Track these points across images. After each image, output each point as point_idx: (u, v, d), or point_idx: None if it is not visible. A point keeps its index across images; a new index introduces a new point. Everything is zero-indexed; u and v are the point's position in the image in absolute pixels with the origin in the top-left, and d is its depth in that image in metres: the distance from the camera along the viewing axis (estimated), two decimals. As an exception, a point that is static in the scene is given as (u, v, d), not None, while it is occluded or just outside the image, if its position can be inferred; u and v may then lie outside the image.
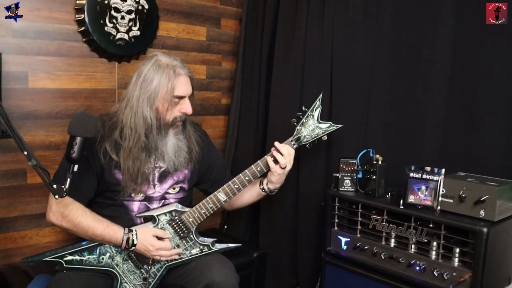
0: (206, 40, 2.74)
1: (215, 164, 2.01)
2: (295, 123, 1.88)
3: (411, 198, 1.79)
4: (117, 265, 1.77)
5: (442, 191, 1.73)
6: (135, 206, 1.80)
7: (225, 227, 2.87)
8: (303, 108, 1.90)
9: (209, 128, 2.78)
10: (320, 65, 2.35)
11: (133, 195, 1.79)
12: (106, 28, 2.24)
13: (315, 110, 1.88)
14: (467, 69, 1.91)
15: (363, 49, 2.21)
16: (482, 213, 1.63)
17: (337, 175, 2.05)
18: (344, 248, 2.00)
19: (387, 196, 1.95)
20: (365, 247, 1.91)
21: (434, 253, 1.72)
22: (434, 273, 1.70)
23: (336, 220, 2.04)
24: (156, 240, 1.75)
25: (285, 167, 1.84)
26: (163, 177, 1.83)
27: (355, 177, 2.02)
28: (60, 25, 2.16)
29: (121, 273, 1.77)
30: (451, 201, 1.71)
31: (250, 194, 1.99)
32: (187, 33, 2.65)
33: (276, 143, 1.85)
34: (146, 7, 2.38)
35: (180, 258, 1.83)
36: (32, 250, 2.14)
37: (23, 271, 2.04)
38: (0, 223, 2.09)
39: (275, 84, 2.57)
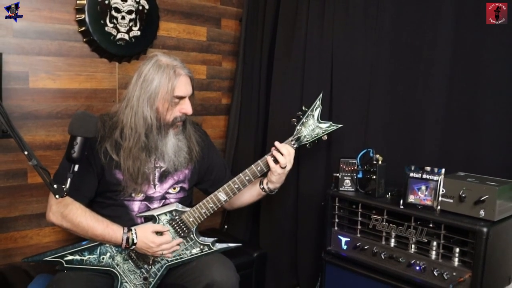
0: (206, 40, 2.75)
1: (215, 164, 2.02)
2: (295, 123, 1.88)
3: (411, 198, 1.80)
4: (117, 265, 1.77)
5: (442, 191, 1.73)
6: (136, 206, 1.81)
7: (226, 226, 2.87)
8: (303, 108, 1.90)
9: (210, 128, 2.78)
10: (320, 65, 2.35)
11: (133, 195, 1.79)
12: (106, 28, 2.24)
13: (315, 110, 1.88)
14: (467, 69, 1.91)
15: (363, 49, 2.22)
16: (482, 213, 1.63)
17: (337, 175, 2.05)
18: (344, 248, 2.01)
19: (387, 196, 1.95)
20: (365, 247, 1.92)
21: (434, 253, 1.73)
22: (434, 273, 1.70)
23: (336, 220, 2.04)
24: (156, 236, 1.75)
25: (285, 166, 1.84)
26: (163, 177, 1.83)
27: (355, 177, 2.02)
28: (60, 25, 2.17)
29: (122, 273, 1.78)
30: (451, 201, 1.71)
31: (250, 194, 1.99)
32: (188, 33, 2.65)
33: (276, 143, 1.85)
34: (147, 7, 2.38)
35: (181, 258, 1.83)
36: (33, 250, 2.15)
37: (24, 270, 2.04)
38: (0, 223, 2.09)
39: (275, 84, 2.58)
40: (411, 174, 1.81)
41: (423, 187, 1.78)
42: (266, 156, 1.85)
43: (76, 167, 1.45)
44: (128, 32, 2.32)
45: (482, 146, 1.88)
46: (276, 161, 1.83)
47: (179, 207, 1.82)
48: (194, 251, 1.84)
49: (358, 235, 1.96)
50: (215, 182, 1.98)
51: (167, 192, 1.85)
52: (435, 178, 1.75)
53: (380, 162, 1.95)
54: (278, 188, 1.95)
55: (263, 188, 1.94)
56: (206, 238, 1.86)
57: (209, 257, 1.83)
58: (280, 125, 2.49)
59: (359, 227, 1.96)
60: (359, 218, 1.95)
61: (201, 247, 1.84)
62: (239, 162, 2.74)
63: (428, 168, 1.78)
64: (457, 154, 1.95)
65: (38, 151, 2.13)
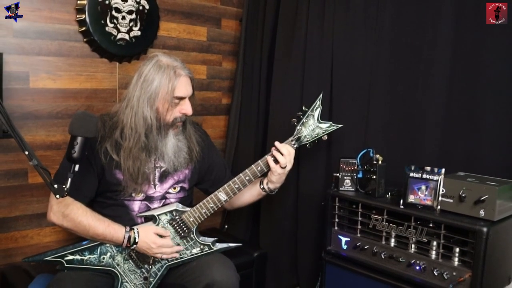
0: (206, 40, 2.75)
1: (215, 164, 2.02)
2: (295, 123, 1.88)
3: (411, 198, 1.80)
4: (118, 265, 1.77)
5: (442, 191, 1.73)
6: (136, 205, 1.81)
7: (226, 226, 2.87)
8: (303, 108, 1.90)
9: (210, 128, 2.78)
10: (321, 65, 2.35)
11: (133, 195, 1.79)
12: (107, 28, 2.25)
13: (315, 110, 1.88)
14: (467, 69, 1.91)
15: (363, 49, 2.22)
16: (482, 212, 1.63)
17: (337, 175, 2.05)
18: (344, 248, 2.01)
19: (387, 196, 1.95)
20: (365, 247, 1.92)
21: (434, 252, 1.73)
22: (434, 272, 1.70)
23: (336, 220, 2.04)
24: (158, 237, 1.75)
25: (285, 166, 1.84)
26: (163, 177, 1.83)
27: (355, 177, 2.03)
28: (61, 25, 2.17)
29: (122, 273, 1.78)
30: (451, 200, 1.71)
31: (250, 194, 1.99)
32: (188, 33, 2.65)
33: (277, 143, 1.85)
34: (147, 7, 2.38)
35: (181, 258, 1.83)
36: (33, 249, 2.15)
37: (24, 270, 2.04)
38: (1, 222, 2.09)
39: (276, 84, 2.58)
40: (411, 174, 1.81)
41: (423, 187, 1.78)
42: (266, 156, 1.86)
43: (77, 167, 1.45)
44: (128, 32, 2.33)
45: (482, 146, 1.88)
46: (276, 161, 1.83)
47: (179, 207, 1.82)
48: (194, 251, 1.84)
49: (358, 235, 1.96)
50: (215, 182, 1.99)
51: (167, 192, 1.85)
52: (435, 178, 1.75)
53: (380, 162, 1.95)
54: (278, 188, 1.96)
55: (263, 188, 1.94)
56: (206, 238, 1.86)
57: (209, 257, 1.83)
58: (280, 125, 2.49)
59: (359, 227, 1.96)
60: (359, 218, 1.95)
61: (201, 247, 1.84)
62: (239, 162, 2.74)
63: (428, 168, 1.79)
64: (457, 154, 1.95)
65: (38, 151, 2.14)
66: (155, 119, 1.73)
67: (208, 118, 2.81)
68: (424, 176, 1.78)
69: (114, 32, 2.28)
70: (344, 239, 2.01)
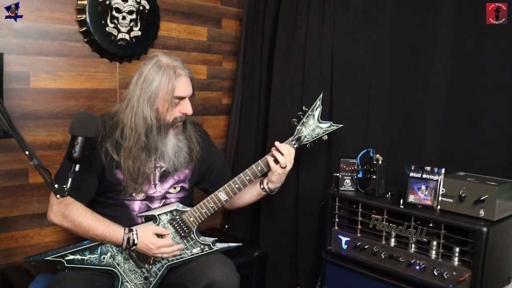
0: (207, 40, 2.75)
1: (215, 164, 2.02)
2: (295, 123, 1.89)
3: (411, 198, 1.80)
4: (118, 265, 1.77)
5: (442, 190, 1.74)
6: (136, 205, 1.81)
7: (226, 226, 2.88)
8: (303, 108, 1.90)
9: (210, 128, 2.79)
10: (321, 65, 2.35)
11: (134, 194, 1.79)
12: (107, 29, 2.25)
13: (316, 110, 1.88)
14: (467, 69, 1.91)
15: (363, 49, 2.22)
16: (481, 212, 1.64)
17: (338, 174, 2.05)
18: (345, 248, 2.01)
19: (387, 195, 1.95)
20: (365, 247, 1.92)
21: (434, 252, 1.73)
22: (434, 272, 1.70)
23: (337, 220, 2.04)
24: (157, 238, 1.76)
25: (286, 166, 1.84)
26: (164, 176, 1.84)
27: (355, 177, 2.03)
28: (61, 25, 2.17)
29: (122, 273, 1.78)
30: (451, 200, 1.71)
31: (250, 194, 2.00)
32: (188, 34, 2.66)
33: (277, 143, 1.86)
34: (147, 7, 2.39)
35: (181, 258, 1.84)
36: (34, 249, 2.15)
37: (25, 270, 2.05)
38: (2, 222, 2.10)
39: (276, 84, 2.58)
40: (411, 174, 1.81)
41: (423, 187, 1.78)
42: (266, 156, 1.86)
43: (77, 167, 1.45)
44: (129, 32, 2.33)
45: (482, 146, 1.88)
46: (276, 161, 1.84)
47: (180, 206, 1.82)
48: (194, 250, 1.84)
49: (358, 234, 1.96)
50: (216, 181, 1.99)
51: (167, 192, 1.85)
52: (435, 178, 1.75)
53: (380, 162, 1.95)
54: (279, 188, 1.96)
55: (264, 188, 1.95)
56: (206, 237, 1.86)
57: (210, 257, 1.83)
58: (280, 125, 2.49)
59: (359, 226, 1.96)
60: (359, 218, 1.95)
61: (202, 246, 1.85)
62: (240, 162, 2.74)
63: (428, 168, 1.79)
64: (457, 154, 1.95)
65: (39, 151, 2.14)
66: (155, 119, 1.74)
67: (208, 118, 2.82)
68: (424, 176, 1.78)
69: (115, 32, 2.28)
70: (344, 239, 2.01)
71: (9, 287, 1.96)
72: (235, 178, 1.84)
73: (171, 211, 1.81)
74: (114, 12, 2.26)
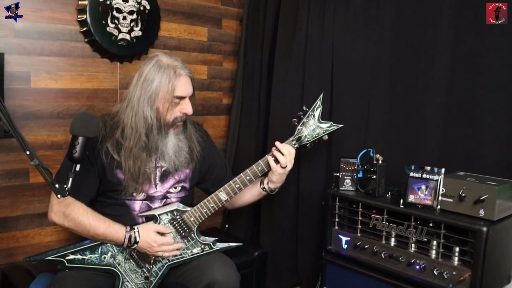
0: (207, 40, 2.75)
1: (216, 164, 2.02)
2: (296, 123, 1.89)
3: (411, 198, 1.80)
4: (119, 264, 1.78)
5: (442, 190, 1.74)
6: (137, 205, 1.81)
7: (226, 226, 2.88)
8: (304, 108, 1.90)
9: (210, 128, 2.79)
10: (321, 65, 2.36)
11: (134, 194, 1.80)
12: (108, 29, 2.25)
13: (316, 110, 1.88)
14: (467, 69, 1.91)
15: (363, 49, 2.22)
16: (481, 212, 1.64)
17: (338, 174, 2.05)
18: (345, 247, 2.01)
19: (387, 195, 1.95)
20: (366, 246, 1.92)
21: (434, 252, 1.73)
22: (434, 272, 1.70)
23: (337, 219, 2.05)
24: (158, 236, 1.76)
25: (286, 166, 1.85)
26: (164, 176, 1.84)
27: (355, 177, 2.03)
28: (62, 25, 2.18)
29: (123, 272, 1.78)
30: (451, 200, 1.71)
31: (251, 194, 2.00)
32: (189, 34, 2.66)
33: (277, 143, 1.86)
34: (148, 7, 2.39)
35: (182, 257, 1.84)
36: (34, 249, 2.16)
37: (26, 270, 2.05)
38: (2, 222, 2.10)
39: (276, 84, 2.58)
40: (411, 174, 1.81)
41: (423, 187, 1.78)
42: (266, 156, 1.86)
43: (78, 167, 1.46)
44: (129, 32, 2.33)
45: (482, 146, 1.88)
46: (276, 161, 1.84)
47: (180, 206, 1.83)
48: (195, 250, 1.84)
49: (359, 234, 1.97)
50: (216, 181, 1.99)
51: (168, 192, 1.86)
52: (435, 177, 1.75)
53: (380, 162, 1.95)
54: (279, 187, 1.96)
55: (264, 187, 1.95)
56: (207, 237, 1.86)
57: (210, 257, 1.83)
58: (280, 125, 2.50)
59: (360, 226, 1.96)
60: (360, 218, 1.95)
61: (202, 246, 1.85)
62: (240, 162, 2.75)
63: (428, 168, 1.79)
64: (457, 154, 1.95)
65: (39, 151, 2.14)
66: (155, 118, 1.74)
67: (208, 118, 2.82)
68: (424, 175, 1.78)
69: (115, 32, 2.28)
70: (344, 239, 2.01)
71: (10, 287, 1.97)
72: (236, 178, 1.84)
73: (171, 211, 1.81)
74: (114, 12, 2.27)
